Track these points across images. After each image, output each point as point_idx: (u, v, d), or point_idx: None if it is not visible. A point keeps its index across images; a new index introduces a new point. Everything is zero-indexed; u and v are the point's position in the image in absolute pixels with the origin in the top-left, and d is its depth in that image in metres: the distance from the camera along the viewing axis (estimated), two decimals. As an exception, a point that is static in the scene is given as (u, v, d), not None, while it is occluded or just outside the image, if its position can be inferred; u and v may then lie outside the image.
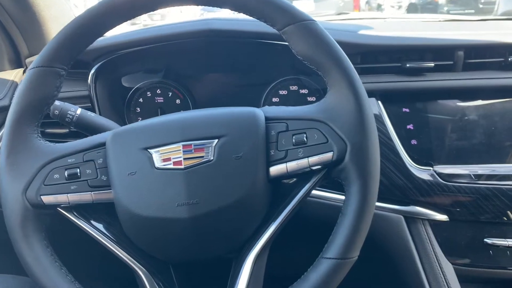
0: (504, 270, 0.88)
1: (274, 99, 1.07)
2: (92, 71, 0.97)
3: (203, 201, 0.60)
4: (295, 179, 0.68)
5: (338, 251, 0.59)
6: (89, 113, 0.82)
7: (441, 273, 0.88)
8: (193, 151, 0.62)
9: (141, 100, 1.07)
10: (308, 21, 0.63)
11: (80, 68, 0.97)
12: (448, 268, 0.89)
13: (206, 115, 0.66)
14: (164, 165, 0.62)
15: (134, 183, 0.62)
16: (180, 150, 0.62)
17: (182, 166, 0.61)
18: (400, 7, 10.26)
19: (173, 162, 0.61)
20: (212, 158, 0.61)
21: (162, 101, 1.07)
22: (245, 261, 0.63)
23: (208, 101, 1.08)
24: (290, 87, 1.06)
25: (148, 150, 0.63)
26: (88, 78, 0.97)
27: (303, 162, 0.62)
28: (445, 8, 8.28)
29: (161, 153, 0.62)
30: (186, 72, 1.07)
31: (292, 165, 0.62)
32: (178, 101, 1.07)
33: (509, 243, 0.87)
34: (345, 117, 0.61)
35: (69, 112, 0.80)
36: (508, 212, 0.86)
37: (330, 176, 0.63)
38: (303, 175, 0.64)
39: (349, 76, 0.62)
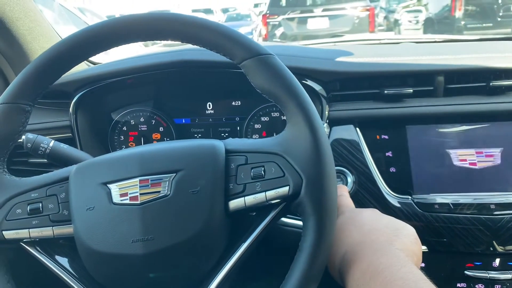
0: (486, 304, 0.85)
1: (257, 126, 1.07)
2: (74, 100, 0.99)
3: (158, 237, 0.60)
4: (255, 213, 0.68)
5: None
6: (62, 145, 0.83)
7: (419, 306, 0.85)
8: (149, 186, 0.62)
9: (124, 128, 1.08)
10: (265, 55, 0.63)
11: (61, 98, 0.99)
12: (428, 301, 0.86)
13: (166, 149, 0.66)
14: (121, 200, 0.61)
15: (92, 218, 0.62)
16: (137, 185, 0.62)
17: (138, 202, 0.61)
18: (417, 22, 10.19)
19: (130, 197, 0.61)
20: (168, 193, 0.61)
21: (145, 129, 1.08)
22: None
23: (191, 129, 1.09)
24: (272, 113, 1.06)
25: (107, 185, 0.63)
26: (69, 108, 0.99)
27: (260, 196, 0.61)
28: (462, 23, 8.17)
29: (119, 188, 0.62)
30: (169, 101, 1.08)
31: (250, 199, 0.61)
32: (161, 128, 1.08)
33: (490, 275, 0.83)
34: (301, 150, 0.60)
35: (41, 145, 0.81)
36: (489, 243, 0.83)
37: (289, 209, 0.62)
38: (262, 209, 0.63)
39: (305, 110, 0.61)
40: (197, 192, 0.61)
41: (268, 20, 8.00)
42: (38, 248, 0.65)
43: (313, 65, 0.95)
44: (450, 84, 0.94)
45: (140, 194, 0.61)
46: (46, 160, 0.97)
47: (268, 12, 8.07)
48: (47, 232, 0.63)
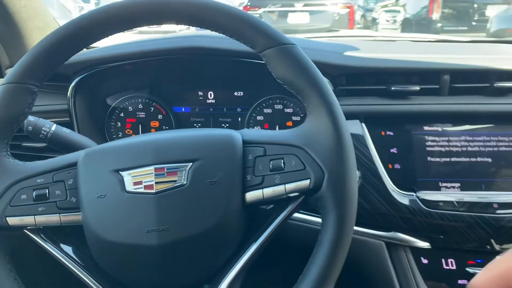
0: (485, 300, 0.86)
1: (259, 117, 1.05)
2: (72, 84, 0.95)
3: (173, 227, 0.58)
4: (272, 205, 0.66)
5: (312, 284, 0.57)
6: (64, 129, 0.80)
7: (421, 302, 0.86)
8: (165, 174, 0.60)
9: (122, 114, 1.05)
10: (288, 44, 0.62)
11: (60, 81, 0.95)
12: (429, 297, 0.87)
13: (181, 137, 0.64)
14: (135, 188, 0.59)
15: (103, 207, 0.59)
16: (152, 173, 0.60)
17: (153, 191, 0.59)
18: (394, 21, 10.35)
19: (144, 186, 0.59)
20: (185, 182, 0.59)
21: (143, 116, 1.05)
22: None
23: (191, 118, 1.06)
24: (275, 106, 1.05)
25: (120, 172, 0.60)
26: (67, 92, 0.95)
27: (279, 189, 0.60)
28: (439, 25, 8.35)
29: (132, 176, 0.60)
30: (169, 88, 1.05)
31: (268, 191, 0.60)
32: (160, 116, 1.05)
33: (491, 273, 0.85)
34: (323, 144, 0.59)
35: (43, 128, 0.78)
36: (491, 241, 0.85)
37: (308, 203, 0.61)
38: (280, 202, 0.62)
39: (328, 103, 0.60)
40: (214, 183, 0.60)
41: (249, 12, 7.96)
42: (42, 236, 0.63)
43: (321, 58, 0.94)
44: (455, 84, 0.94)
45: (156, 183, 0.59)
46: (41, 145, 0.95)
47: (249, 4, 8.02)
48: (53, 219, 0.61)
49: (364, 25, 12.16)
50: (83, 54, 0.93)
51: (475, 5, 8.23)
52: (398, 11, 10.27)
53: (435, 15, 8.40)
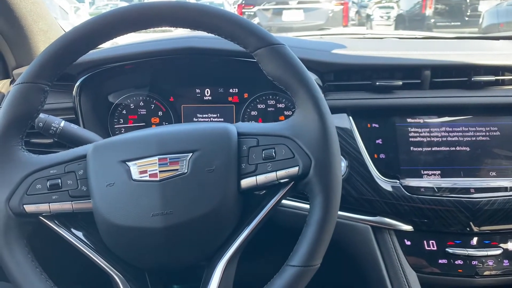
0: (464, 278, 0.93)
1: (253, 112, 1.12)
2: (77, 84, 1.01)
3: (177, 211, 0.64)
4: (264, 191, 0.73)
5: (302, 259, 0.63)
6: (72, 125, 0.86)
7: (405, 281, 0.93)
8: (168, 164, 0.66)
9: (124, 112, 1.11)
10: (278, 45, 0.68)
11: (65, 80, 1.01)
12: (412, 276, 0.94)
13: (182, 130, 0.70)
14: (140, 177, 0.65)
15: (112, 194, 0.65)
16: (156, 163, 0.66)
17: (158, 178, 0.65)
18: (388, 18, 10.41)
19: (149, 175, 0.65)
20: (186, 171, 0.65)
21: (144, 113, 1.12)
22: (216, 268, 0.66)
23: (189, 114, 1.13)
24: (268, 101, 1.11)
25: (126, 162, 0.66)
26: (73, 91, 1.01)
27: (271, 176, 0.66)
28: (432, 20, 8.42)
29: (138, 166, 0.66)
30: (169, 86, 1.11)
31: (261, 178, 0.66)
32: (160, 113, 1.12)
33: (469, 252, 0.92)
34: (310, 134, 0.65)
35: (53, 124, 0.84)
36: (469, 223, 0.92)
37: (297, 188, 0.68)
38: (271, 188, 0.69)
39: (314, 97, 0.67)
40: (212, 171, 0.66)
41: (243, 10, 8.00)
42: (56, 222, 0.68)
43: (310, 56, 1.01)
44: (436, 78, 1.01)
45: (160, 171, 0.65)
46: (48, 141, 1.01)
47: (243, 2, 8.06)
48: (66, 206, 0.67)
49: (358, 21, 12.20)
50: (87, 55, 0.98)
51: (468, 1, 8.30)
52: (392, 7, 10.33)
53: (428, 11, 8.47)
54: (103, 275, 0.68)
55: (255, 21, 7.82)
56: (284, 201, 0.70)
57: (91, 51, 0.72)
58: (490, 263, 0.93)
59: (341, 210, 0.90)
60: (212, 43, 0.99)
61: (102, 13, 0.69)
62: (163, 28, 0.73)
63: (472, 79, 1.00)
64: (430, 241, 0.94)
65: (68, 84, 1.02)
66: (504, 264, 0.93)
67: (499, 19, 6.25)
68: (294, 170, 0.65)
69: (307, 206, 0.93)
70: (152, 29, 0.72)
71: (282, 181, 0.67)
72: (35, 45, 1.12)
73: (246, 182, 0.67)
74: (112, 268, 0.68)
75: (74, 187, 0.67)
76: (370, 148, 0.97)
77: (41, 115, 0.85)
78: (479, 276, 0.93)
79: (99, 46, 0.74)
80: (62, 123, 0.85)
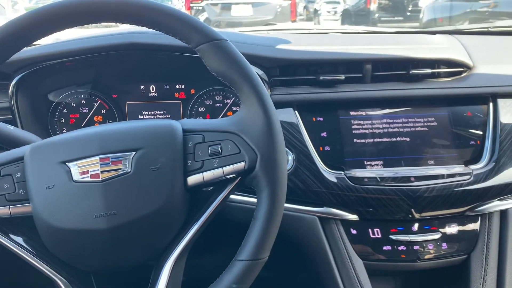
0: (407, 262, 0.98)
1: (201, 109, 1.11)
2: (13, 82, 0.96)
3: (121, 212, 0.63)
4: (212, 187, 0.73)
5: (249, 253, 0.64)
6: (8, 126, 0.82)
7: (352, 269, 0.96)
8: (110, 163, 0.64)
9: (65, 110, 1.07)
10: (220, 40, 0.68)
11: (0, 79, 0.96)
12: (358, 264, 0.97)
13: (125, 128, 0.68)
14: (82, 178, 0.63)
15: (52, 196, 0.63)
16: (97, 163, 0.64)
17: (100, 179, 0.63)
18: (335, 12, 10.66)
19: (91, 175, 0.63)
20: (129, 170, 0.64)
21: (87, 111, 1.08)
22: (164, 267, 0.66)
23: (134, 111, 1.10)
24: (216, 97, 1.11)
25: (66, 163, 0.64)
26: (8, 90, 0.96)
27: (218, 172, 0.66)
28: (377, 15, 8.71)
29: (79, 166, 0.64)
30: (112, 83, 1.08)
31: (208, 174, 0.66)
32: (103, 111, 1.09)
33: (411, 238, 0.97)
34: (255, 129, 0.66)
35: (-14, 126, 0.80)
36: (410, 210, 0.96)
37: (244, 183, 0.68)
38: (219, 183, 0.69)
39: (258, 92, 0.67)
40: (157, 169, 0.65)
41: (191, 5, 7.91)
42: None
43: (256, 51, 1.01)
44: (377, 72, 1.05)
45: (101, 171, 0.63)
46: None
47: (192, -4, 7.97)
48: (3, 211, 0.64)
49: (306, 16, 12.40)
50: (24, 52, 0.94)
51: (409, -3, 8.65)
52: (338, 2, 10.58)
53: (373, 6, 8.75)
54: (47, 280, 0.66)
55: (204, 16, 7.76)
56: (232, 196, 0.70)
57: (28, 48, 0.69)
58: (430, 247, 0.98)
59: (288, 202, 0.93)
60: (155, 39, 0.97)
61: (40, 7, 0.66)
62: (108, 24, 0.71)
63: (411, 72, 1.04)
64: (375, 229, 0.98)
65: (3, 83, 0.96)
66: (442, 247, 0.99)
67: (438, 14, 6.56)
68: (240, 165, 0.66)
69: (255, 200, 0.95)
70: (94, 24, 0.69)
71: (229, 176, 0.67)
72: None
73: (193, 179, 0.66)
74: (54, 273, 0.66)
75: (11, 191, 0.64)
76: (315, 141, 0.99)
77: (-26, 116, 0.80)
78: (420, 260, 0.98)
79: (36, 42, 0.71)
80: (-3, 124, 0.81)
